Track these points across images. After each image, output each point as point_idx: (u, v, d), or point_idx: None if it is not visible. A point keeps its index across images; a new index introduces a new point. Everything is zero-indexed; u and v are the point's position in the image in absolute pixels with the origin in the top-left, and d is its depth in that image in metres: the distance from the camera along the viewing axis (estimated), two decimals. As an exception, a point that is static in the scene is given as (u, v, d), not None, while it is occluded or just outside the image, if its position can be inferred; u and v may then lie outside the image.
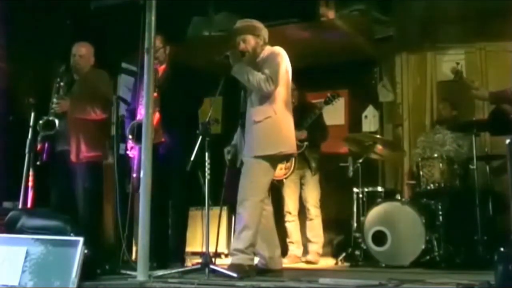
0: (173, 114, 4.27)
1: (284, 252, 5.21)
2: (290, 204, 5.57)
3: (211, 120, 3.73)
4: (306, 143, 5.34)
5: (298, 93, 5.47)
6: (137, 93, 4.22)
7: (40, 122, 4.29)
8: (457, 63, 4.73)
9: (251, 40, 3.80)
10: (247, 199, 3.61)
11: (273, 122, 3.69)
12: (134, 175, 4.15)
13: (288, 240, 5.54)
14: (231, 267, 3.49)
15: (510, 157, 3.34)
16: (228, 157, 3.96)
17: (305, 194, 5.56)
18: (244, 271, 3.44)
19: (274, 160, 3.74)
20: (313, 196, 5.54)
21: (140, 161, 3.43)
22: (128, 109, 4.51)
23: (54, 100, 4.40)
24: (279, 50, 3.81)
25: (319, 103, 5.46)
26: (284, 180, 5.35)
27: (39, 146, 4.32)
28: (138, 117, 4.20)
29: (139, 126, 3.73)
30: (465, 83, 4.64)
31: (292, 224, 5.57)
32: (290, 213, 5.56)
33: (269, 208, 3.84)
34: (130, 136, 4.21)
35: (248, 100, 3.80)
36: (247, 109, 3.80)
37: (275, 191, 5.30)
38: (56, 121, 4.29)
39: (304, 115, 5.35)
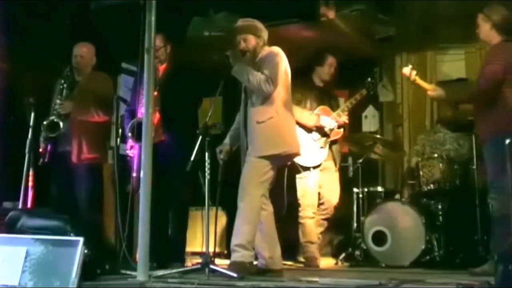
0: (173, 113, 4.27)
1: (290, 251, 4.82)
2: (312, 198, 5.02)
3: (217, 124, 3.72)
4: (342, 129, 5.09)
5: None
6: (137, 93, 4.22)
7: (45, 123, 4.29)
8: (408, 65, 4.47)
9: (252, 40, 3.81)
10: (248, 194, 3.63)
11: (276, 122, 3.70)
12: (134, 174, 4.15)
13: (304, 240, 4.98)
14: (233, 265, 3.50)
15: (510, 157, 3.35)
16: (220, 156, 3.95)
17: (326, 192, 5.07)
18: (246, 269, 3.46)
19: (277, 160, 3.75)
20: (335, 197, 5.09)
21: (140, 161, 3.42)
22: (128, 110, 4.50)
23: (57, 101, 4.40)
24: (278, 50, 3.80)
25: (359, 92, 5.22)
26: (312, 169, 4.95)
27: (42, 147, 4.32)
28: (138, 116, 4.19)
29: (139, 124, 3.72)
30: (419, 86, 4.46)
31: (312, 222, 4.99)
32: (309, 207, 4.98)
33: (270, 209, 3.84)
34: (130, 134, 4.21)
35: (248, 101, 3.81)
36: (248, 110, 3.80)
37: (290, 187, 4.88)
38: (61, 124, 4.30)
39: (334, 101, 5.22)
